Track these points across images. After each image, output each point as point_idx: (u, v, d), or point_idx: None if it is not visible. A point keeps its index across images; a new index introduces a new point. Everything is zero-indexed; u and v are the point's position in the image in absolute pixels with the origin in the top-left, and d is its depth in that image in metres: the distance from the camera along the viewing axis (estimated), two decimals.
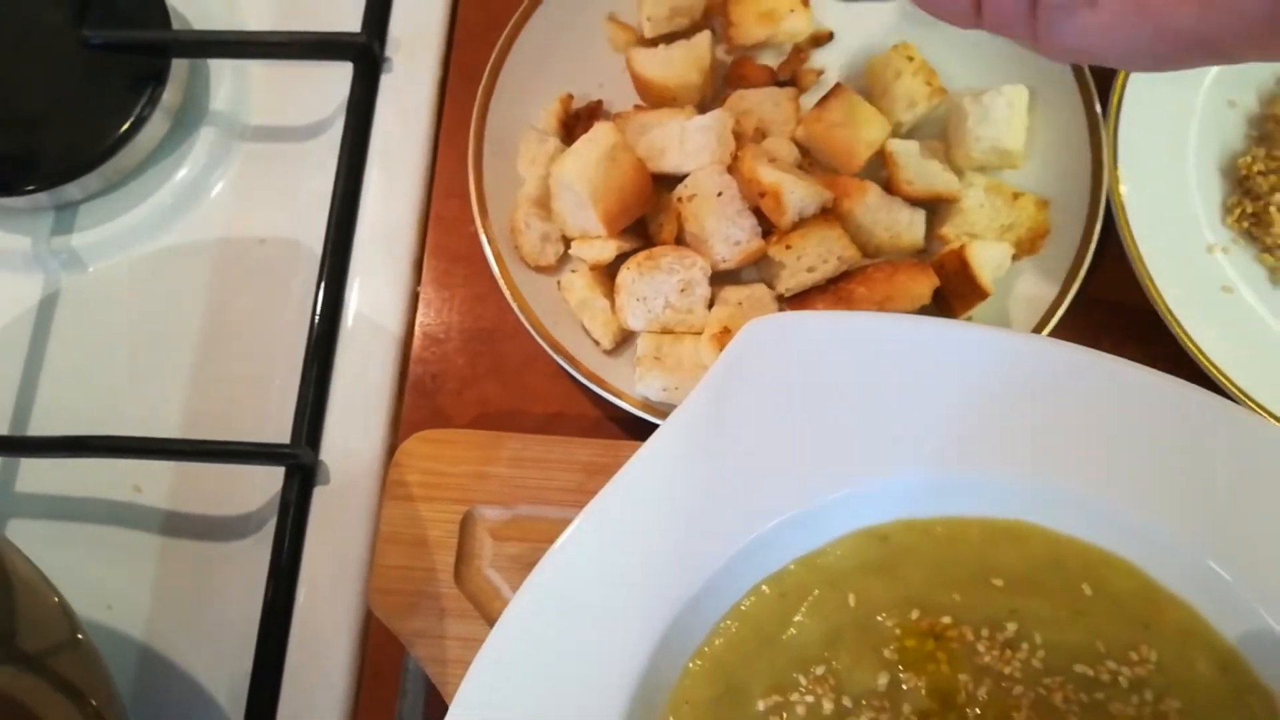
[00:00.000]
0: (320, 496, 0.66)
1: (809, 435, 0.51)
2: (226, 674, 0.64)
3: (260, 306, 0.73)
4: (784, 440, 0.51)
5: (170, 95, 0.75)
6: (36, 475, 0.70)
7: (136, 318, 0.74)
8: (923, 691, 0.48)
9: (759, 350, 0.52)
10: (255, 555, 0.66)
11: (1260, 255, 0.65)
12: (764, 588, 0.52)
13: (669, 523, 0.51)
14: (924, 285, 0.60)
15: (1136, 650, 0.49)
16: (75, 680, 0.53)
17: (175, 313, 0.74)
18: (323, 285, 0.70)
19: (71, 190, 0.75)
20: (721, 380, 0.52)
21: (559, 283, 0.64)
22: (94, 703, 0.53)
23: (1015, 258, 0.63)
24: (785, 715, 0.49)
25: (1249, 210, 0.65)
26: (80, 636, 0.55)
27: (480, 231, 0.64)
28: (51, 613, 0.55)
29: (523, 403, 0.66)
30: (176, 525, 0.68)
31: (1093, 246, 0.62)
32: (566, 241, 0.65)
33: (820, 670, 0.49)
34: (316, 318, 0.69)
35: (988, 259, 0.61)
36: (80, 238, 0.77)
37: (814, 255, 0.60)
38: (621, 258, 0.63)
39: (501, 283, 0.63)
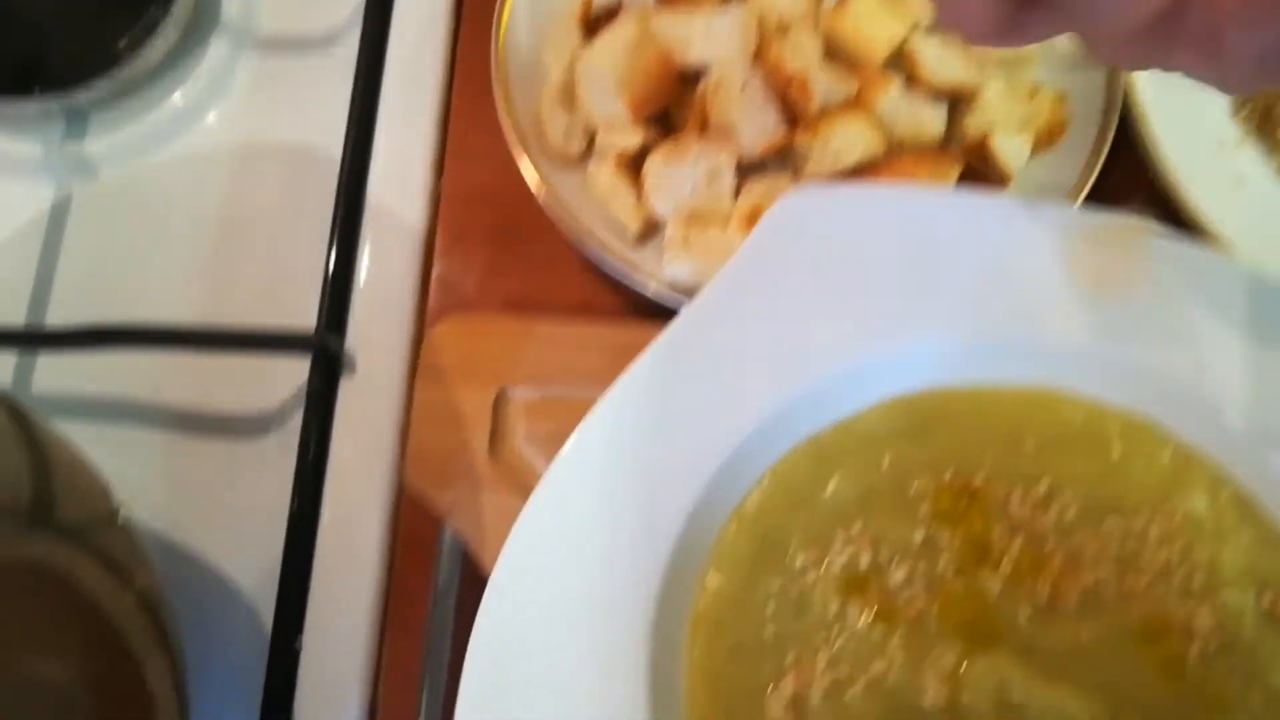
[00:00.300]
0: (346, 388, 0.67)
1: (841, 304, 0.53)
2: (253, 567, 0.64)
3: (276, 211, 0.73)
4: (817, 308, 0.53)
5: (182, 1, 0.75)
6: (52, 375, 0.70)
7: (150, 223, 0.74)
8: (957, 545, 0.50)
9: (793, 221, 0.53)
10: (279, 451, 0.66)
11: (1271, 152, 0.66)
12: (798, 452, 0.53)
13: (704, 387, 0.52)
14: (949, 172, 0.61)
15: (1167, 505, 0.51)
16: (118, 557, 0.54)
17: (190, 218, 0.74)
18: (343, 185, 0.70)
19: (81, 97, 0.75)
20: (756, 251, 0.53)
21: (586, 174, 0.65)
22: (137, 581, 0.54)
23: (1033, 151, 0.65)
24: (823, 568, 0.50)
25: (1259, 106, 0.66)
26: (121, 514, 0.55)
27: (504, 122, 0.64)
28: (91, 489, 0.55)
29: (548, 297, 0.67)
30: (197, 424, 0.68)
31: (1109, 140, 0.64)
32: (590, 135, 0.66)
33: (857, 527, 0.51)
34: (338, 212, 0.69)
35: (1008, 149, 0.62)
36: (92, 144, 0.77)
37: (840, 141, 0.61)
38: (646, 151, 0.64)
39: (527, 172, 0.63)
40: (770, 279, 0.52)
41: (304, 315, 0.68)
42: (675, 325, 0.52)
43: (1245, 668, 0.48)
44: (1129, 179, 0.65)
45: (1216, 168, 0.66)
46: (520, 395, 0.60)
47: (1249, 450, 0.50)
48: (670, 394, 0.52)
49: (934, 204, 0.53)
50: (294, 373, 0.67)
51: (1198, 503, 0.51)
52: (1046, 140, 0.65)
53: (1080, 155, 0.64)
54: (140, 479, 0.66)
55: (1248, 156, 0.66)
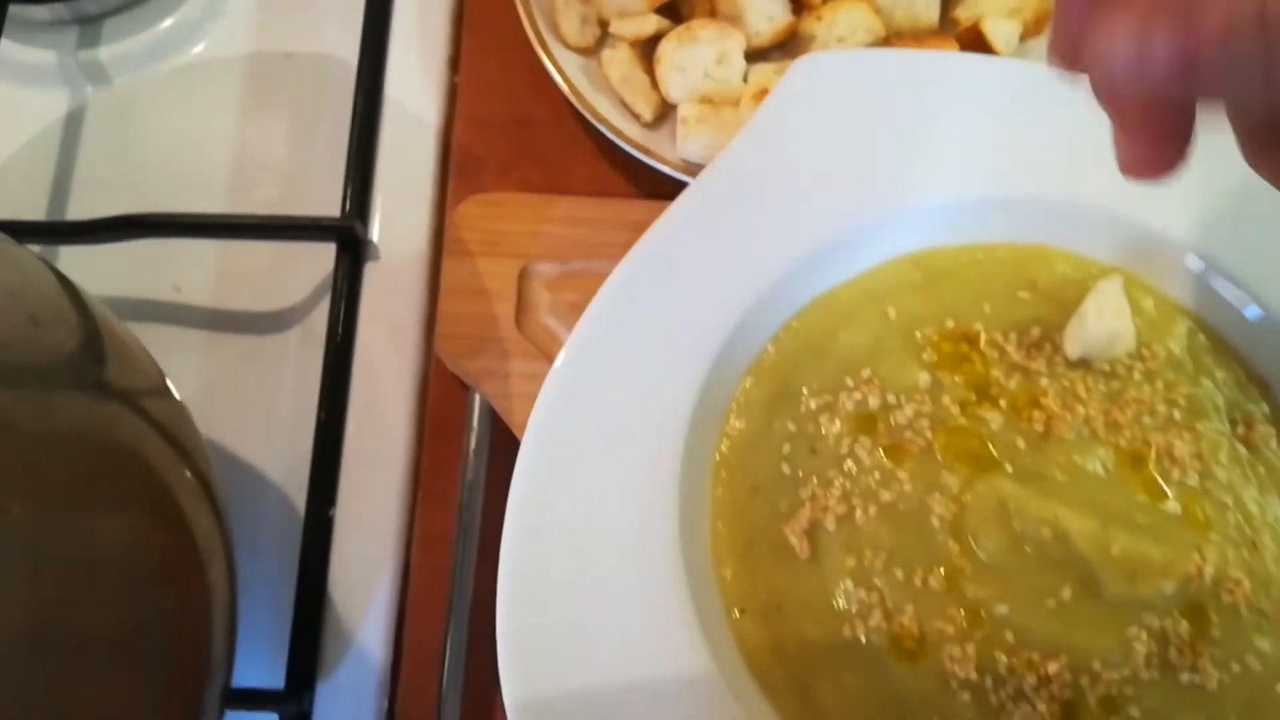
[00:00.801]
0: (370, 275, 0.69)
1: (851, 165, 0.56)
2: (285, 457, 0.66)
3: (294, 112, 0.75)
4: (828, 170, 0.56)
5: None
6: (75, 275, 0.72)
7: (166, 128, 0.76)
8: (959, 386, 0.54)
9: (805, 87, 0.56)
10: (305, 344, 0.68)
11: None
12: (811, 308, 0.57)
13: (722, 247, 0.55)
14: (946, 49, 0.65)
15: (1149, 348, 0.55)
16: (170, 427, 0.56)
17: (206, 122, 0.75)
18: (361, 83, 0.72)
19: (91, 4, 0.77)
20: (770, 116, 0.56)
21: (599, 60, 0.68)
22: (190, 451, 0.56)
23: (1022, 38, 0.68)
24: (835, 410, 0.54)
25: None
26: (169, 388, 0.57)
27: (521, 13, 0.67)
28: (142, 360, 0.57)
29: (564, 184, 0.70)
30: (220, 322, 0.70)
31: None
32: (603, 24, 0.68)
33: (866, 373, 0.55)
34: (356, 109, 0.71)
35: (1000, 33, 0.65)
36: (106, 51, 0.78)
37: (843, 26, 0.64)
38: (658, 39, 0.67)
39: (545, 60, 0.66)
40: (783, 143, 0.56)
41: (327, 209, 0.70)
42: (694, 188, 0.56)
43: (1223, 491, 0.52)
44: None
45: None
46: (543, 270, 0.64)
47: (1220, 298, 0.55)
48: (689, 254, 0.55)
49: (937, 63, 0.57)
50: (317, 266, 0.70)
51: (1177, 346, 0.55)
52: (1035, 29, 0.69)
53: None
54: (168, 375, 0.69)
55: None
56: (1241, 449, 0.54)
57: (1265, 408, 0.55)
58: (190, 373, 0.69)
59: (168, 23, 0.79)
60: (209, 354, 0.70)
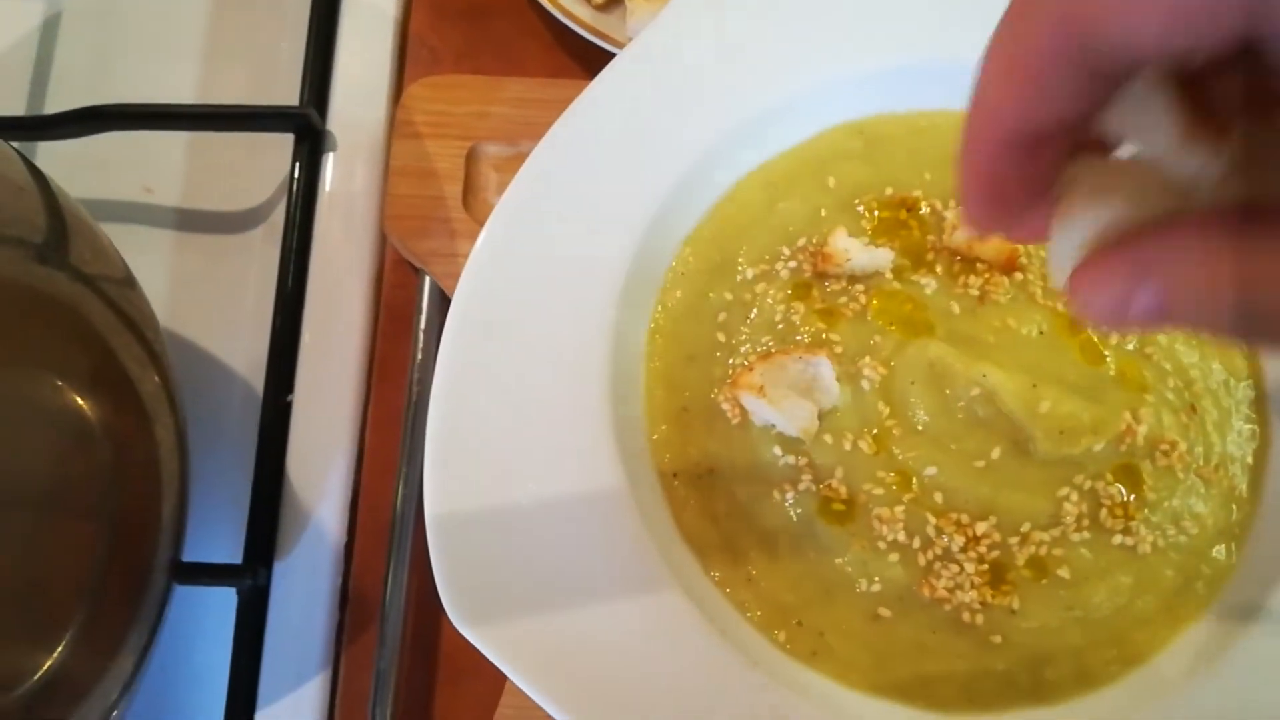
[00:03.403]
0: (328, 166, 0.70)
1: (789, 30, 0.55)
2: (246, 351, 0.67)
3: (261, 7, 0.75)
4: (766, 35, 0.55)
5: None
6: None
7: (138, 30, 0.76)
8: (896, 251, 0.53)
9: None
10: (269, 241, 0.69)
11: None
12: (748, 179, 0.56)
13: (656, 112, 0.55)
14: None
15: None
16: (132, 314, 0.57)
17: (175, 22, 0.76)
18: None
19: None
20: None
21: None
22: (149, 338, 0.57)
23: None
24: (771, 278, 0.54)
25: None
26: (133, 279, 0.58)
27: None
28: (106, 249, 0.58)
29: (520, 69, 0.69)
30: (189, 221, 0.71)
31: None
32: None
33: (802, 242, 0.54)
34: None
35: None
36: None
37: None
38: None
39: None
40: (718, 11, 0.55)
41: (290, 102, 0.70)
42: (621, 58, 0.55)
43: (1163, 356, 0.52)
44: None
45: None
46: (491, 151, 0.64)
47: None
48: (618, 125, 0.55)
49: None
50: (279, 165, 0.70)
51: None
52: None
53: None
54: (137, 274, 0.69)
55: None
56: None
57: None
58: (160, 272, 0.70)
59: None
60: (178, 253, 0.71)
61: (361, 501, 0.62)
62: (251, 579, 0.60)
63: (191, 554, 0.58)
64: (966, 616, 0.48)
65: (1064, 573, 0.49)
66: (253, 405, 0.65)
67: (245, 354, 0.68)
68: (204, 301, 0.69)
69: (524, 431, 0.50)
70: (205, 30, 0.75)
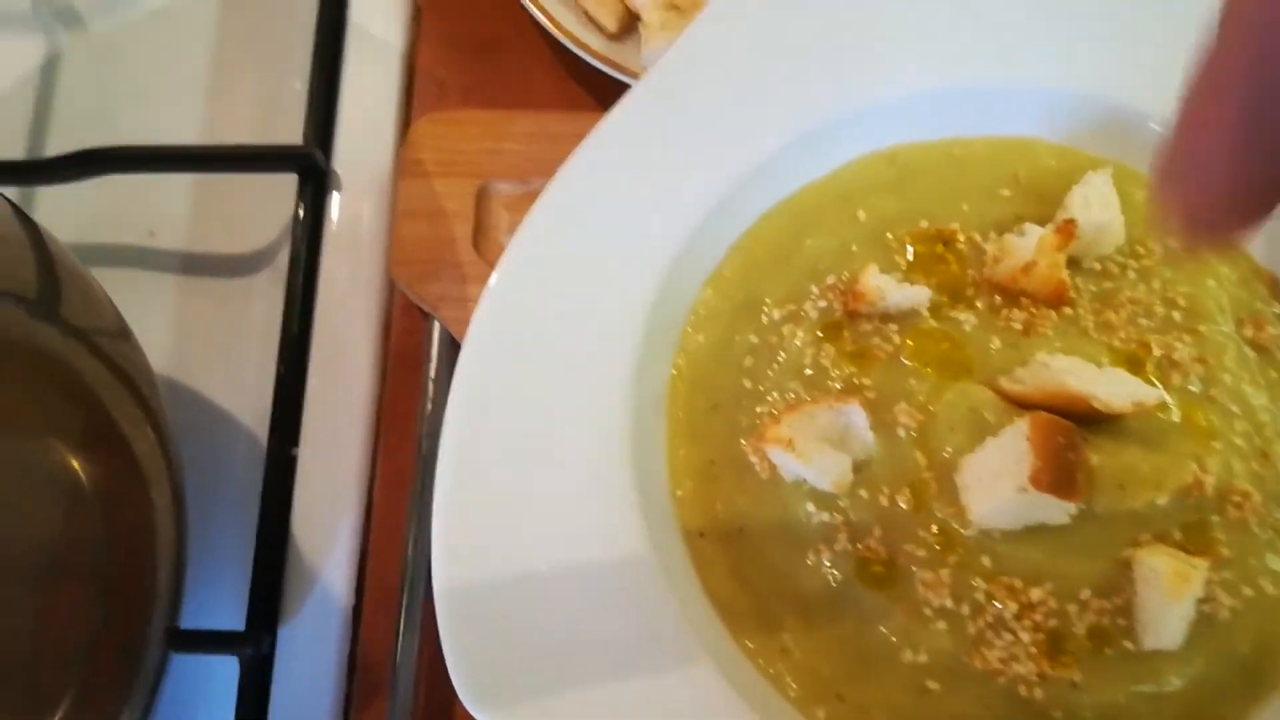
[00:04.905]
0: (334, 206, 0.67)
1: (813, 57, 0.52)
2: (252, 399, 0.64)
3: (264, 48, 0.73)
4: (789, 64, 0.52)
5: None
6: (50, 222, 0.71)
7: (140, 71, 0.74)
8: (933, 289, 0.49)
9: None
10: (274, 284, 0.66)
11: None
12: (773, 214, 0.53)
13: (675, 149, 0.51)
14: None
15: (1144, 244, 0.50)
16: (127, 369, 0.54)
17: (179, 63, 0.74)
18: (323, 7, 0.70)
19: None
20: (725, 4, 0.52)
21: None
22: (145, 396, 0.54)
23: None
24: (799, 319, 0.50)
25: None
26: (128, 330, 0.56)
27: None
28: (99, 300, 0.56)
29: (530, 102, 0.67)
30: (193, 265, 0.69)
31: None
32: None
33: (831, 279, 0.51)
34: (320, 35, 0.69)
35: None
36: None
37: None
38: None
39: None
40: (740, 33, 0.52)
41: (294, 141, 0.68)
42: (640, 87, 0.52)
43: (1228, 396, 0.47)
44: None
45: None
46: (502, 189, 0.61)
47: None
48: (637, 158, 0.51)
49: None
50: (284, 204, 0.67)
51: (1174, 241, 0.50)
52: None
53: None
54: (138, 318, 0.66)
55: None
56: (1250, 352, 0.48)
57: (1276, 306, 0.49)
58: (163, 318, 0.67)
59: None
60: (181, 298, 0.68)
61: (370, 562, 0.59)
62: (254, 647, 0.57)
63: (191, 619, 0.55)
64: (1023, 690, 0.44)
65: (1129, 643, 0.44)
66: (256, 458, 0.62)
67: (249, 404, 0.65)
68: (208, 349, 0.67)
69: (538, 492, 0.46)
70: (208, 68, 0.73)
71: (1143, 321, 0.48)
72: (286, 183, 0.67)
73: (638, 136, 0.51)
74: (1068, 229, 0.47)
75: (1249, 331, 0.49)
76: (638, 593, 0.45)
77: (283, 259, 0.67)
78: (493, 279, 0.49)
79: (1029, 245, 0.48)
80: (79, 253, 0.69)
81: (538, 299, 0.49)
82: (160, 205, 0.70)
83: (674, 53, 0.52)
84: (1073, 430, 0.43)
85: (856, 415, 0.46)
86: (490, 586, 0.44)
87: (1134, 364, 0.48)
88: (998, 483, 0.43)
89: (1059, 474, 0.42)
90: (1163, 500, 0.45)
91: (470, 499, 0.45)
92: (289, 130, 0.69)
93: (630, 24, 0.64)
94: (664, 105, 0.51)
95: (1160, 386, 0.47)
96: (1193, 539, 0.45)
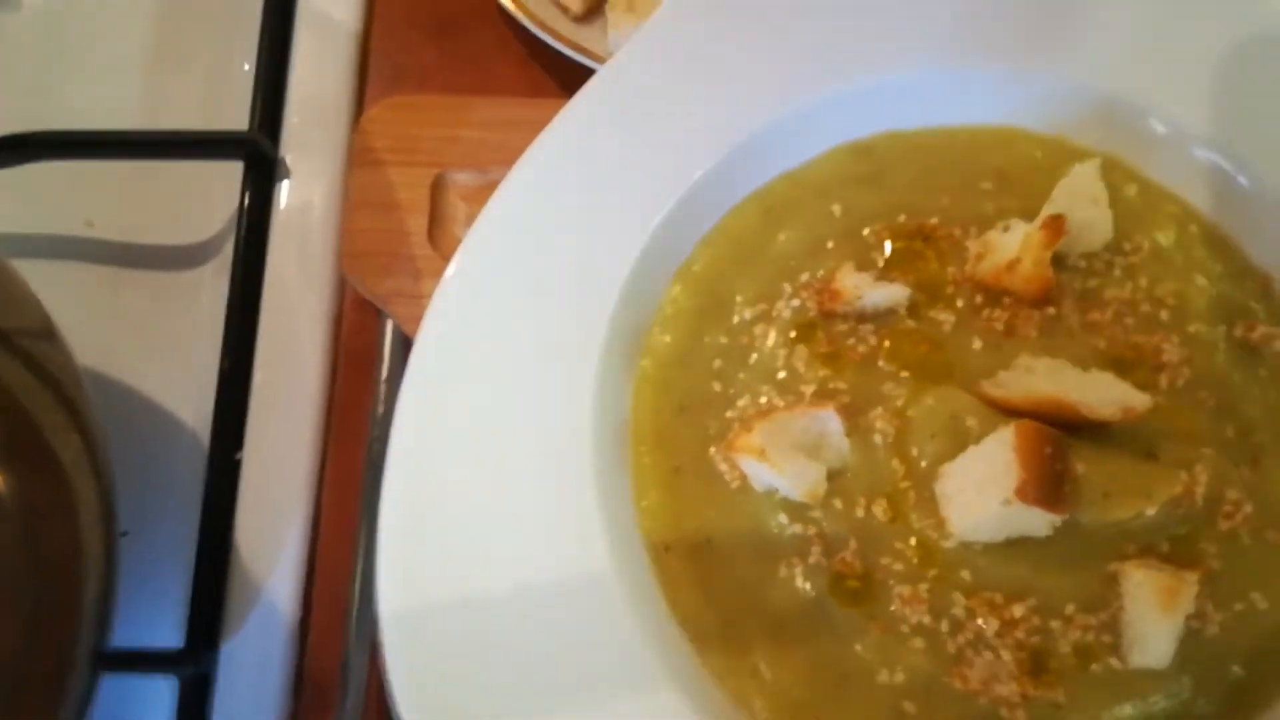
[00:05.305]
0: (281, 196, 0.63)
1: (784, 41, 0.49)
2: (194, 400, 0.60)
3: (208, 23, 0.69)
4: (760, 48, 0.49)
5: None
6: None
7: (78, 47, 0.70)
8: (910, 287, 0.47)
9: None
10: (219, 277, 0.62)
11: None
12: (744, 207, 0.50)
13: (639, 139, 0.49)
14: None
15: (1131, 240, 0.48)
16: (52, 370, 0.51)
17: (118, 37, 0.70)
18: None
19: None
20: None
21: None
22: (71, 398, 0.51)
23: None
24: (770, 320, 0.47)
25: None
26: (54, 330, 0.52)
27: None
28: (21, 298, 0.52)
29: (491, 88, 0.63)
30: (132, 257, 0.64)
31: None
32: None
33: (805, 277, 0.48)
34: (267, 11, 0.65)
35: None
36: None
37: None
38: None
39: None
40: (706, 18, 0.49)
41: (240, 124, 0.64)
42: (603, 74, 0.49)
43: (1218, 399, 0.45)
44: None
45: None
46: (460, 179, 0.58)
47: (1214, 177, 0.47)
48: (600, 149, 0.49)
49: None
50: (228, 199, 0.63)
51: (1164, 237, 0.48)
52: None
53: None
54: (76, 314, 0.61)
55: None
56: (1240, 352, 0.46)
57: (1266, 305, 0.47)
58: (102, 313, 0.63)
59: None
60: (121, 292, 0.64)
61: (317, 572, 0.56)
62: (194, 665, 0.54)
63: (126, 637, 0.52)
64: (1005, 712, 0.42)
65: (1115, 661, 0.42)
66: (198, 462, 0.59)
67: (192, 404, 0.61)
68: (149, 346, 0.63)
69: (492, 505, 0.43)
70: (150, 46, 0.69)
71: (1129, 321, 0.46)
72: (233, 169, 0.63)
73: (601, 125, 0.48)
74: (1055, 226, 0.44)
75: (1239, 331, 0.46)
76: (599, 613, 0.43)
77: (228, 250, 0.63)
78: (446, 274, 0.46)
79: (1013, 242, 0.45)
80: (10, 243, 0.66)
81: (494, 297, 0.47)
82: (98, 193, 0.66)
83: (640, 37, 0.49)
84: (1060, 439, 0.41)
85: (831, 422, 0.44)
86: (440, 609, 0.41)
87: (1120, 366, 0.45)
88: (981, 494, 0.41)
89: (1046, 486, 0.39)
90: (1151, 511, 0.42)
91: (418, 513, 0.43)
92: (235, 113, 0.65)
93: (596, 6, 0.61)
94: (629, 92, 0.49)
95: (1148, 390, 0.44)
96: (1181, 551, 0.43)
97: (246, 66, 0.66)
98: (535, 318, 0.47)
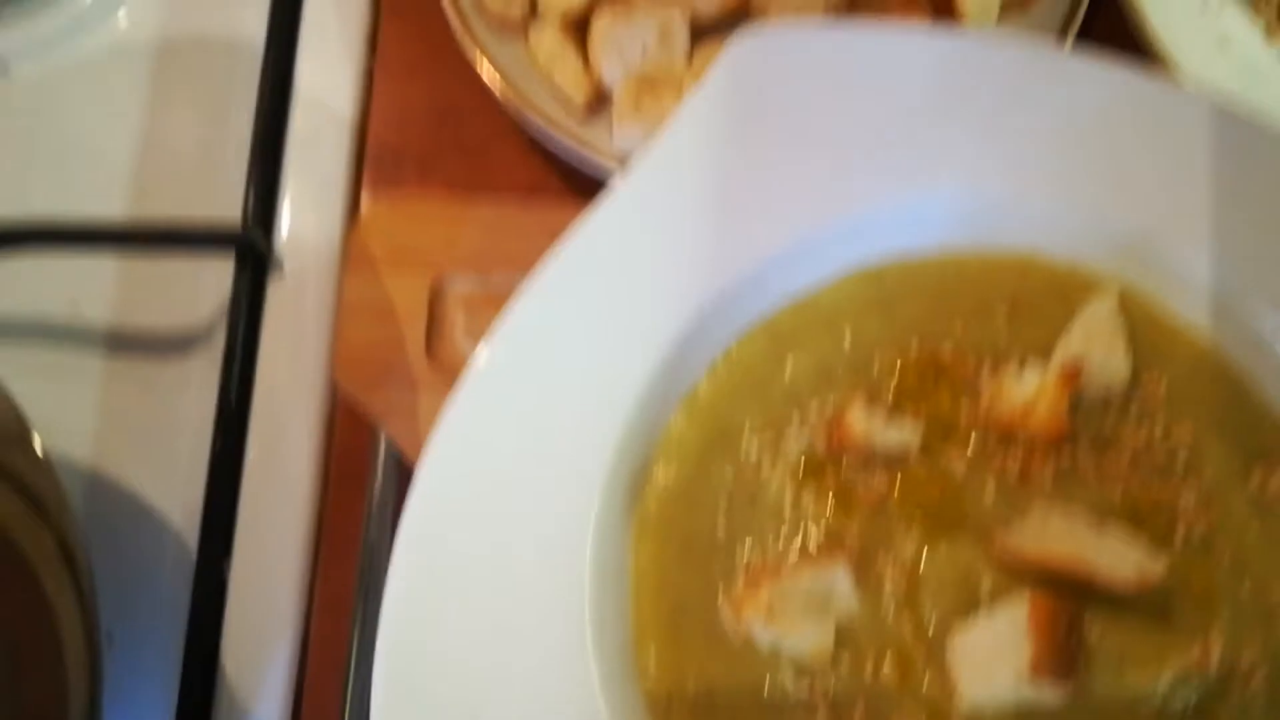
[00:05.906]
0: (274, 292, 0.62)
1: (798, 165, 0.48)
2: (180, 496, 0.59)
3: (202, 107, 0.67)
4: (772, 171, 0.48)
5: None
6: None
7: (66, 123, 0.68)
8: (922, 423, 0.46)
9: (746, 71, 0.48)
10: (206, 371, 0.61)
11: (1255, 12, 0.63)
12: (752, 334, 0.49)
13: (647, 263, 0.48)
14: (915, 20, 0.56)
15: (1146, 378, 0.46)
16: (31, 485, 0.49)
17: (109, 118, 0.68)
18: (266, 70, 0.65)
19: None
20: (704, 105, 0.48)
21: (527, 42, 0.60)
22: (54, 516, 0.49)
23: (1007, 13, 0.59)
24: (778, 454, 0.46)
25: None
26: (33, 436, 0.50)
27: None
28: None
29: (491, 181, 0.62)
30: (119, 343, 0.63)
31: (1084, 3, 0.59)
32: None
33: (815, 405, 0.47)
34: (262, 99, 0.63)
35: (976, 3, 0.57)
36: (3, 40, 0.70)
37: None
38: (591, 13, 0.59)
39: (465, 41, 0.58)
40: (720, 135, 0.48)
41: (233, 213, 0.63)
42: (614, 190, 0.48)
43: (1233, 553, 0.44)
44: (1110, 40, 0.60)
45: (1201, 27, 0.61)
46: (459, 286, 0.56)
47: (1235, 317, 0.46)
48: (610, 272, 0.47)
49: (899, 41, 0.48)
50: (220, 285, 0.62)
51: (1182, 377, 0.47)
52: (1019, 3, 0.60)
53: (1056, 19, 0.59)
54: (58, 405, 0.59)
55: (1231, 16, 0.63)
56: (1258, 498, 0.45)
57: None
58: (86, 402, 0.61)
59: (67, 8, 0.71)
60: (107, 381, 0.62)
61: (305, 701, 0.54)
62: None
63: None
64: None
65: None
66: (185, 566, 0.57)
67: (182, 504, 0.59)
68: (136, 441, 0.61)
69: (491, 667, 0.42)
70: (139, 133, 0.67)
71: (1144, 468, 0.45)
72: (223, 255, 0.62)
73: (605, 251, 0.47)
74: (1072, 375, 0.43)
75: (1258, 479, 0.45)
76: None
77: (218, 341, 0.62)
78: (446, 414, 0.45)
79: (1029, 388, 0.44)
80: None
81: (494, 437, 0.45)
82: (84, 273, 0.64)
83: (649, 158, 0.47)
84: (1075, 613, 0.40)
85: (841, 578, 0.42)
86: None
87: (1136, 518, 0.44)
88: (993, 665, 0.40)
89: (1061, 663, 0.38)
90: (1165, 678, 0.41)
91: (414, 675, 0.41)
92: (226, 200, 0.64)
93: (602, 99, 0.60)
94: (632, 218, 0.47)
95: (1163, 544, 0.43)
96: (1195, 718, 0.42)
97: (238, 151, 0.64)
98: (536, 458, 0.46)
